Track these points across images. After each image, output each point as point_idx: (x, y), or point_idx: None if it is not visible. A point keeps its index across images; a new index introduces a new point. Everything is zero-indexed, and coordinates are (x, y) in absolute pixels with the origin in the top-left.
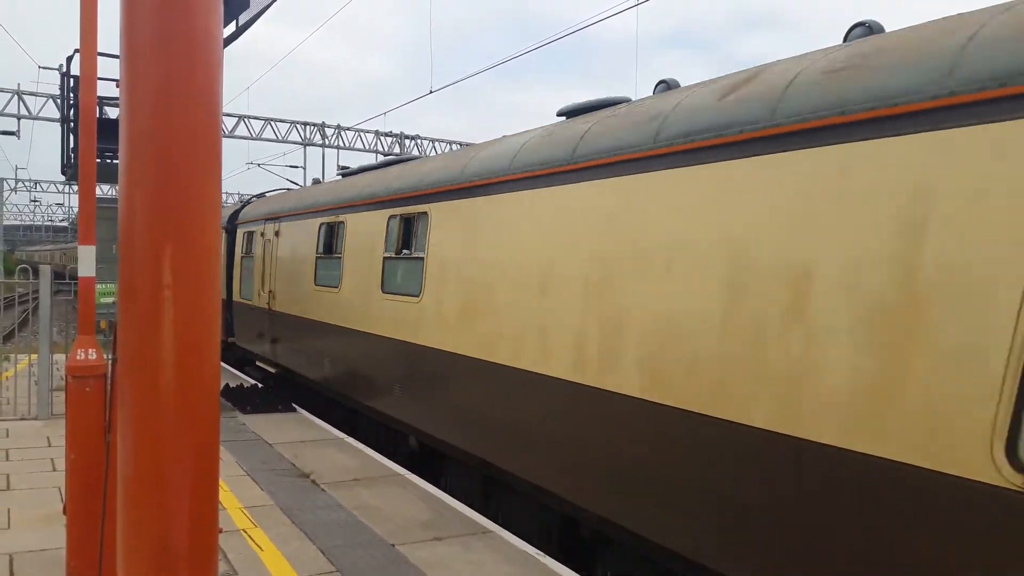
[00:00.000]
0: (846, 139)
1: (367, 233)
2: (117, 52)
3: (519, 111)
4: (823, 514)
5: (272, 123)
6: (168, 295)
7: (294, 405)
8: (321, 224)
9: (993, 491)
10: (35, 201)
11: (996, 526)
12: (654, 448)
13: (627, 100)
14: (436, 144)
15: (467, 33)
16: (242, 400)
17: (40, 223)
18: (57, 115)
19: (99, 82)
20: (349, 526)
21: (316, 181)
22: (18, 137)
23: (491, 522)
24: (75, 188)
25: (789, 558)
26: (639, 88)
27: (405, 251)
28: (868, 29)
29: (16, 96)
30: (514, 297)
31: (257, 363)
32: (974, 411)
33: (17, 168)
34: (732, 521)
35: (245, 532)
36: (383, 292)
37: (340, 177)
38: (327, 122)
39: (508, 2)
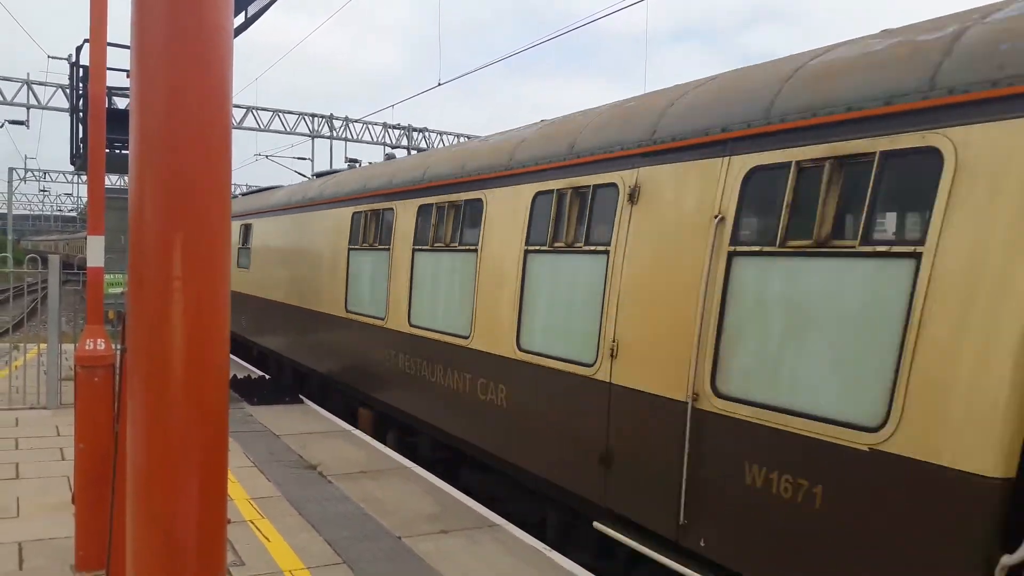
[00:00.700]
0: None
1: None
2: (127, 42)
3: (525, 104)
4: None
5: (280, 115)
6: (178, 286)
7: (301, 397)
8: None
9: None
10: (44, 191)
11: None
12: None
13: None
14: (444, 136)
15: (479, 26)
16: (249, 391)
17: (48, 212)
18: (66, 105)
19: (108, 72)
20: (356, 518)
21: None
22: (27, 127)
23: (497, 516)
24: (84, 178)
25: None
26: (647, 83)
27: None
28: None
29: (25, 86)
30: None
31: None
32: None
33: (26, 157)
34: None
35: (252, 523)
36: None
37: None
38: (335, 114)
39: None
